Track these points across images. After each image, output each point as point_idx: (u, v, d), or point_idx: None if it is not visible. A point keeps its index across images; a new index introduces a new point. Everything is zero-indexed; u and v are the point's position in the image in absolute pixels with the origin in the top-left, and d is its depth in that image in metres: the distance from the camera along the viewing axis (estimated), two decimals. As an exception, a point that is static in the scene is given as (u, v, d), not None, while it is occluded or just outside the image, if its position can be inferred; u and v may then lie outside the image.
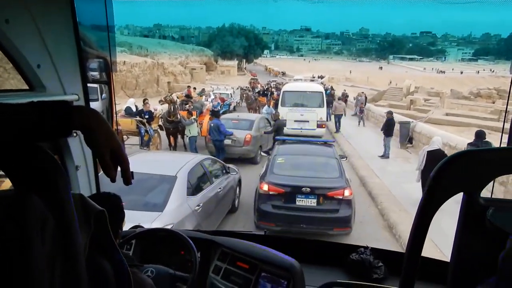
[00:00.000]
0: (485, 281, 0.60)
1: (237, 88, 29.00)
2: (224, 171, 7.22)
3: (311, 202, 6.34)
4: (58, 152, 1.68)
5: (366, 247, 2.16)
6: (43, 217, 0.69)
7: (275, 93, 25.31)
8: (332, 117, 18.28)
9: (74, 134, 1.67)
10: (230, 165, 7.74)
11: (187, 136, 11.67)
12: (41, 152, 0.70)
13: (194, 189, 5.75)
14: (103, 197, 0.84)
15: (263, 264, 1.87)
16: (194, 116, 12.04)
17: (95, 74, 1.86)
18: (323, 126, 15.22)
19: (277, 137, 9.71)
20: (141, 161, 6.72)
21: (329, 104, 18.26)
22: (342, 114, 17.92)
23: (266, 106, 17.84)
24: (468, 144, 9.19)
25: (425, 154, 8.81)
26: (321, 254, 2.18)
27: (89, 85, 1.83)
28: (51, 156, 0.72)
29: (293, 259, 1.84)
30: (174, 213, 4.95)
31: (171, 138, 11.92)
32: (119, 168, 0.83)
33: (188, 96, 16.44)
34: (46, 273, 0.69)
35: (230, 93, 24.49)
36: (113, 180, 0.83)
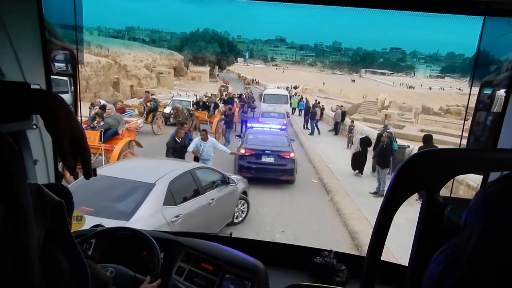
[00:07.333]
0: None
1: (202, 96, 25.15)
2: (222, 182, 6.93)
3: (271, 159, 10.69)
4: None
5: (330, 251, 2.19)
6: None
7: (224, 106, 19.16)
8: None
9: (34, 126, 1.60)
10: (233, 176, 7.66)
11: None
12: None
13: (176, 199, 5.44)
14: (47, 187, 0.79)
15: (227, 266, 1.84)
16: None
17: (61, 66, 1.80)
18: (288, 115, 24.29)
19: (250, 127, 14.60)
20: (124, 167, 6.40)
21: (314, 116, 22.10)
22: (318, 120, 22.40)
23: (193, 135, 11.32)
24: (419, 148, 10.70)
25: (358, 141, 12.22)
26: (285, 257, 2.19)
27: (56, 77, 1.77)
28: (5, 137, 0.67)
29: (258, 261, 1.82)
30: (142, 222, 4.52)
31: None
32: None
33: (104, 107, 11.43)
34: None
35: (192, 101, 20.34)
36: (71, 171, 0.78)
